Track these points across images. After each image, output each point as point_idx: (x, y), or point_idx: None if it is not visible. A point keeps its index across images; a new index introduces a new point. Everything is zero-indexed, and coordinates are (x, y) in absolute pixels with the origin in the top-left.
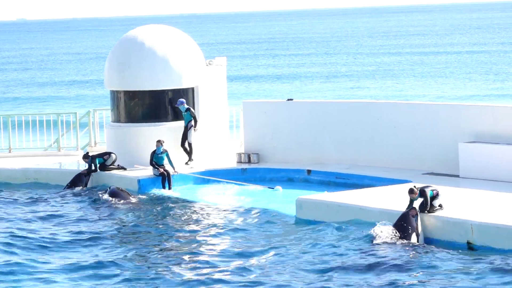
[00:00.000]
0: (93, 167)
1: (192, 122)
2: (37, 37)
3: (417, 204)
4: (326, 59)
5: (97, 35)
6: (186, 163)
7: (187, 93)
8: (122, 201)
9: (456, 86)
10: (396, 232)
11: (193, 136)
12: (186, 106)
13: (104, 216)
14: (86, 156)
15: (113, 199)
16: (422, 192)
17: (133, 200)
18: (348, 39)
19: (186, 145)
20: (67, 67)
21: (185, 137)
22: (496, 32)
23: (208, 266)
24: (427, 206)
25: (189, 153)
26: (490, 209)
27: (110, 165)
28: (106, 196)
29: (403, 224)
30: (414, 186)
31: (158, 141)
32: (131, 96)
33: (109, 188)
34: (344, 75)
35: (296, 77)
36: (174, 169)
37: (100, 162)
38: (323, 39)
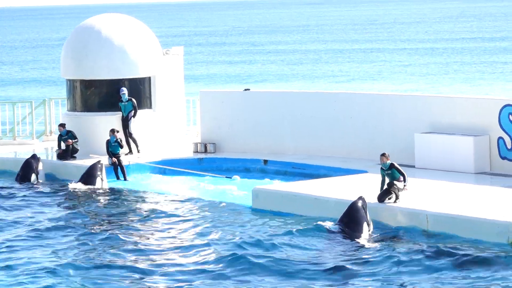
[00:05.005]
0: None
1: (132, 112)
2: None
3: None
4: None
5: (54, 24)
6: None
7: (144, 83)
8: (87, 188)
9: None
10: (344, 225)
11: (133, 126)
12: (127, 96)
13: (55, 207)
14: (63, 125)
15: (78, 187)
16: (392, 165)
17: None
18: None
19: (134, 135)
20: (27, 55)
21: (126, 128)
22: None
23: (161, 258)
24: (404, 176)
25: (135, 143)
26: (446, 200)
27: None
28: (73, 185)
29: (353, 214)
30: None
31: (111, 130)
32: (88, 85)
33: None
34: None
35: (256, 76)
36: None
37: (70, 137)
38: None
